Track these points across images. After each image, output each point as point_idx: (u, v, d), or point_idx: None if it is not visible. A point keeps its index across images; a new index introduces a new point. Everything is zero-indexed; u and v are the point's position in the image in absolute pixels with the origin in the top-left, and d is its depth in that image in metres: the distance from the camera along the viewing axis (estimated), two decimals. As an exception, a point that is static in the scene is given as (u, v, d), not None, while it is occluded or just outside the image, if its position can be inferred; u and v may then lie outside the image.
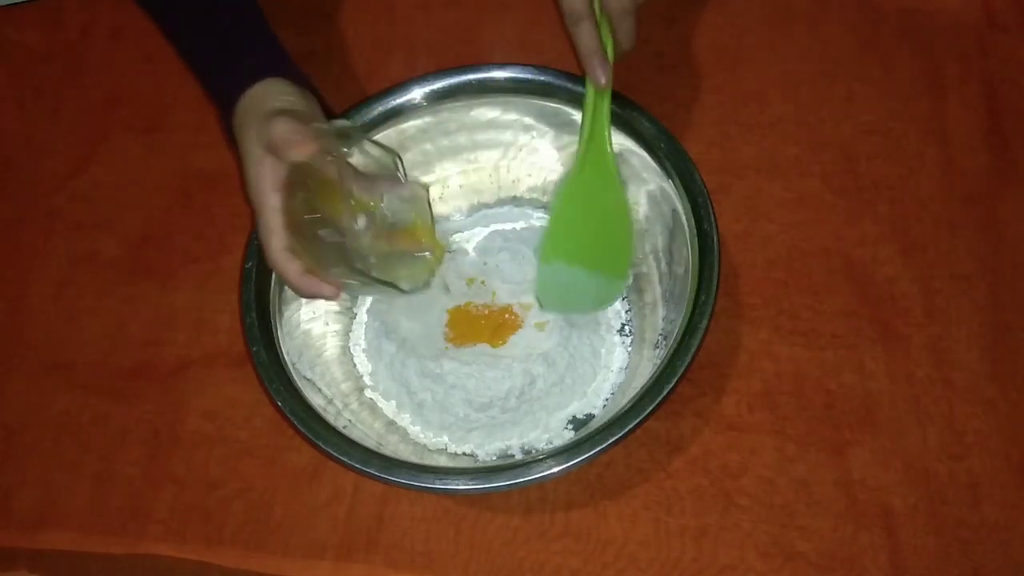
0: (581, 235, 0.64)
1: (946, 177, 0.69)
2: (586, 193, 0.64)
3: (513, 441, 0.63)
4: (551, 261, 0.64)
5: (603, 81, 0.61)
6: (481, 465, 0.62)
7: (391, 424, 0.64)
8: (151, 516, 0.64)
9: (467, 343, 0.65)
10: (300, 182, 0.56)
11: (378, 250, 0.57)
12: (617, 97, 0.64)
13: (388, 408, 0.65)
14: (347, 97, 0.75)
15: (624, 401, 0.58)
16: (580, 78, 0.64)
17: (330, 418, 0.59)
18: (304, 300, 0.66)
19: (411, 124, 0.68)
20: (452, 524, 0.61)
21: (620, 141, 0.65)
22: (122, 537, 0.63)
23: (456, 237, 0.71)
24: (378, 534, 0.61)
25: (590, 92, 0.62)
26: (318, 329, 0.66)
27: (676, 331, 0.58)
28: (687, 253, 0.61)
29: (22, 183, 0.78)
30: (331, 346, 0.66)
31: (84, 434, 0.67)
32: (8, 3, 0.85)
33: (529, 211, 0.71)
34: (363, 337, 0.67)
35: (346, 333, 0.68)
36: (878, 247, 0.67)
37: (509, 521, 0.61)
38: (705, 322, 0.57)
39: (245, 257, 0.63)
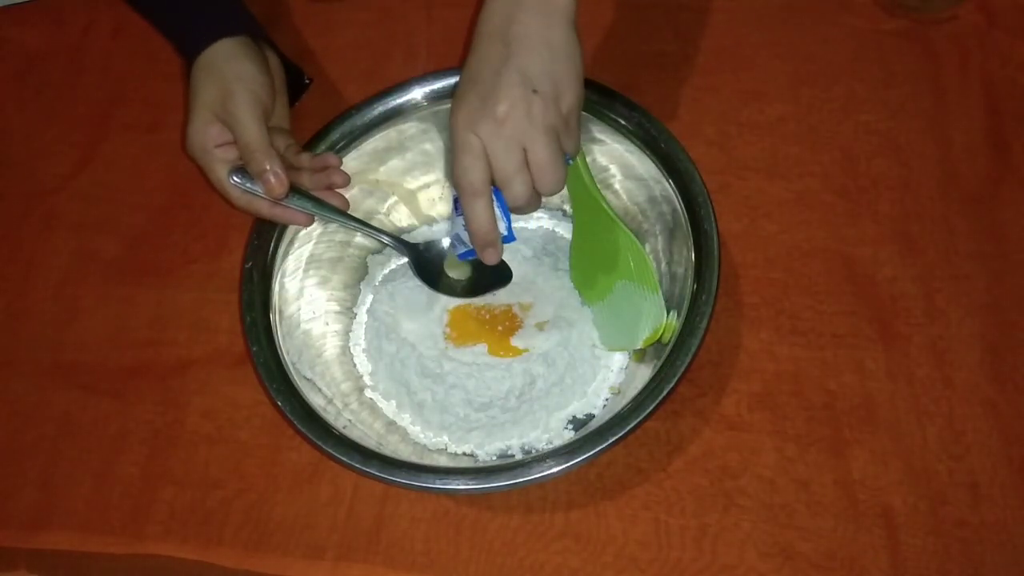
0: (599, 268, 0.64)
1: (946, 177, 0.69)
2: (586, 231, 0.65)
3: (513, 441, 0.63)
4: (593, 302, 0.65)
5: (495, 261, 0.59)
6: (481, 465, 0.61)
7: (391, 424, 0.64)
8: (151, 516, 0.64)
9: (467, 343, 0.65)
10: None
11: None
12: (618, 97, 0.64)
13: (388, 408, 0.65)
14: (347, 97, 0.76)
15: (624, 401, 0.58)
16: None
17: (330, 418, 0.59)
18: (304, 299, 0.66)
19: (411, 124, 0.68)
20: (452, 524, 0.61)
21: (620, 141, 0.65)
22: (122, 537, 0.63)
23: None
24: (378, 534, 0.61)
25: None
26: (318, 329, 0.66)
27: (676, 331, 0.58)
28: (687, 253, 0.61)
29: (22, 183, 0.78)
30: (331, 346, 0.66)
31: (84, 434, 0.67)
32: (8, 3, 0.85)
33: (529, 211, 0.71)
34: (363, 337, 0.67)
35: (346, 333, 0.68)
36: (878, 247, 0.67)
37: (509, 521, 0.61)
38: (705, 322, 0.57)
39: (245, 257, 0.63)
